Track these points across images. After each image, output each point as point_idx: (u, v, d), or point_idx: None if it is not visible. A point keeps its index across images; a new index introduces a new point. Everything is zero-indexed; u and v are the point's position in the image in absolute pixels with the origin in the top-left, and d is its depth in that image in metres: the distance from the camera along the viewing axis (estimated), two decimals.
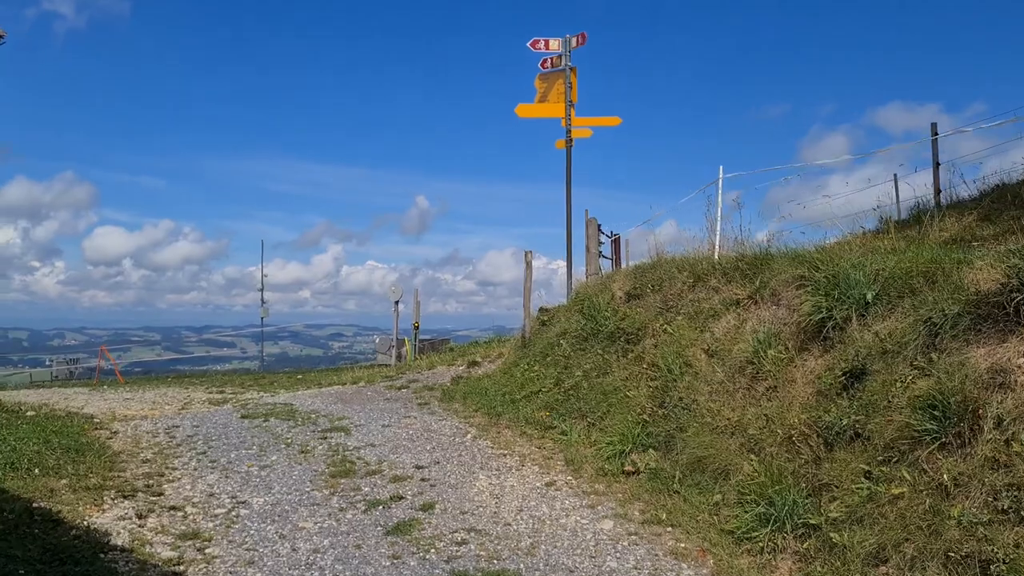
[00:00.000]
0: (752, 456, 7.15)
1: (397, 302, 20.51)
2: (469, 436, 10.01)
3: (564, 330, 12.24)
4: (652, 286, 11.06)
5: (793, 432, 6.87)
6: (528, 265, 13.65)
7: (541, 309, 14.33)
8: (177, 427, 10.64)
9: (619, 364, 10.32)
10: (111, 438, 9.81)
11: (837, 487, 6.16)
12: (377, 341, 20.51)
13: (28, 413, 10.58)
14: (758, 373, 7.82)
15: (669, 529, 6.69)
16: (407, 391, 13.59)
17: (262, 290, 38.10)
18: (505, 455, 9.09)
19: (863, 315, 7.10)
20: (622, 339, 10.68)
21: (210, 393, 16.74)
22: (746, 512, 6.54)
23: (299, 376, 21.14)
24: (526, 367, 12.31)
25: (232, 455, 9.06)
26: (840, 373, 6.87)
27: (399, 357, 20.36)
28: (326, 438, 9.89)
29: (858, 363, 6.76)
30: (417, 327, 20.54)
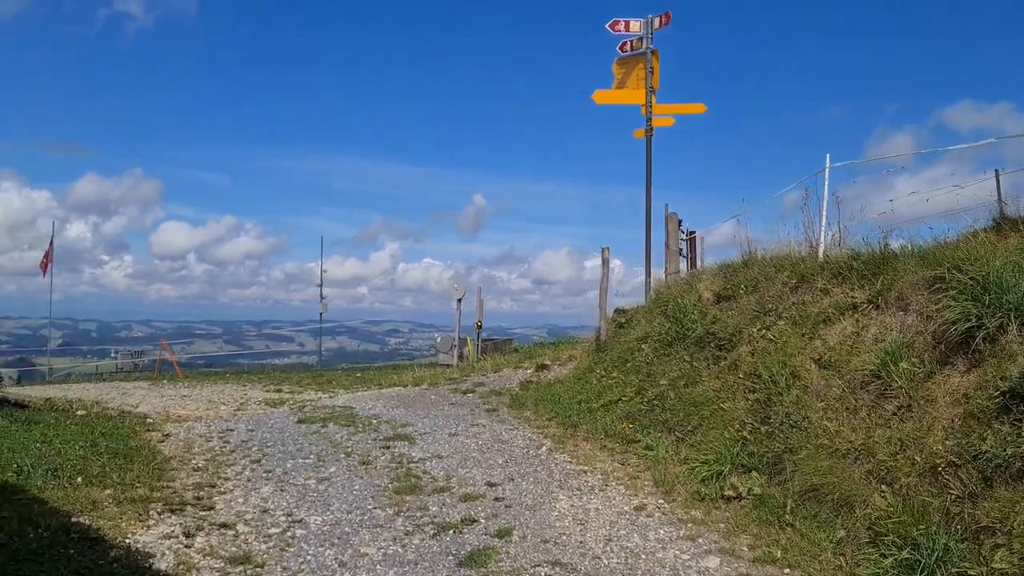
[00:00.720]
0: (884, 487, 6.10)
1: (459, 300, 19.74)
2: (544, 448, 9.13)
3: (645, 334, 11.26)
4: (746, 287, 10.01)
5: (938, 461, 5.80)
6: (605, 263, 12.69)
7: (617, 310, 13.37)
8: (232, 431, 10.01)
9: (710, 373, 9.31)
10: (163, 441, 9.21)
11: (1002, 531, 5.10)
12: (438, 340, 19.76)
13: (79, 412, 10.09)
14: (886, 389, 6.75)
15: (787, 571, 5.70)
16: (473, 396, 12.77)
17: (321, 285, 37.68)
18: (586, 472, 8.18)
19: None
20: (712, 345, 9.67)
21: (267, 392, 16.24)
22: (884, 556, 5.50)
23: (358, 374, 20.57)
24: (603, 373, 11.36)
25: (288, 465, 8.35)
26: (997, 393, 5.77)
27: (461, 357, 19.59)
28: (389, 447, 9.12)
29: (1021, 381, 5.67)
30: (480, 326, 19.75)
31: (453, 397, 12.76)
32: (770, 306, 9.27)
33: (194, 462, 8.39)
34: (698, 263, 14.39)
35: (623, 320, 12.77)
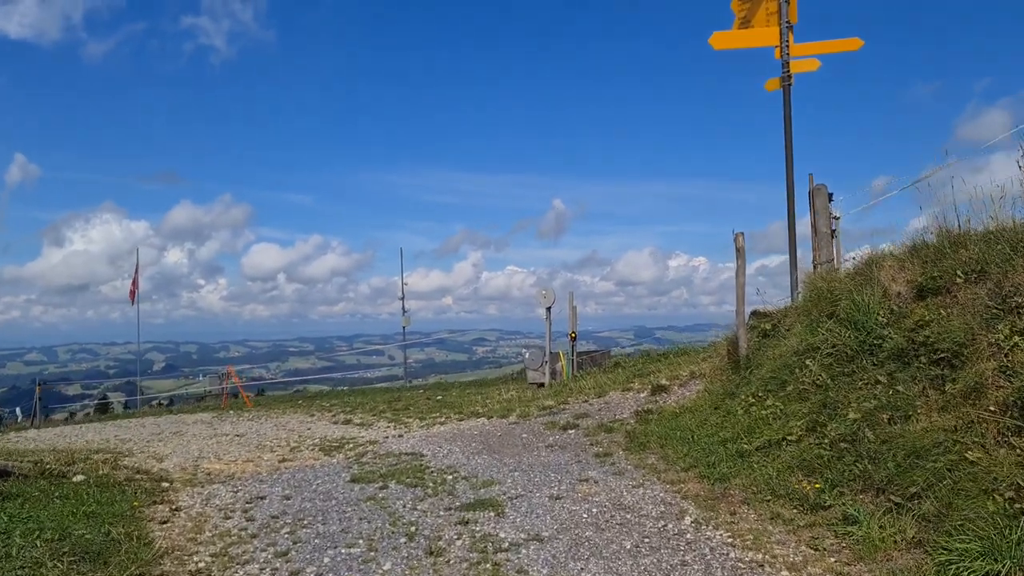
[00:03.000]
0: None
1: (549, 309, 17.06)
2: (688, 520, 6.32)
3: (807, 344, 8.29)
4: (964, 274, 6.98)
5: None
6: (740, 252, 9.71)
7: (756, 314, 10.41)
8: (263, 498, 7.58)
9: (929, 402, 6.34)
10: (166, 521, 6.83)
11: None
12: (527, 356, 17.13)
13: (76, 479, 7.86)
14: None
15: None
16: (576, 432, 10.02)
17: (403, 299, 35.98)
18: (762, 566, 5.35)
19: None
20: (924, 360, 6.68)
21: (334, 423, 13.98)
22: None
23: (438, 397, 18.12)
24: (750, 399, 8.47)
25: (326, 560, 5.81)
26: None
27: (554, 374, 16.91)
28: (467, 523, 6.49)
29: None
30: (574, 338, 17.03)
31: (550, 435, 10.04)
32: (1019, 300, 6.24)
33: (197, 557, 5.95)
34: (842, 249, 11.27)
35: (767, 327, 9.81)
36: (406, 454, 9.44)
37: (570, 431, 10.07)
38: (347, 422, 14.15)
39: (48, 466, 8.02)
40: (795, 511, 6.25)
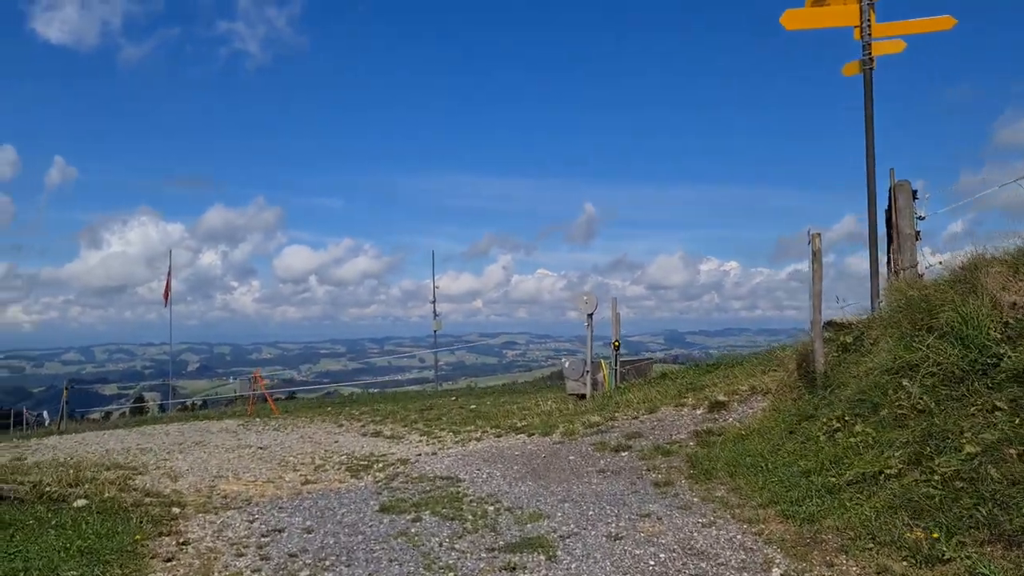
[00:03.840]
0: None
1: (590, 315, 16.05)
2: (777, 573, 5.32)
3: (901, 361, 7.22)
4: None
5: None
6: (816, 255, 8.62)
7: (831, 324, 9.35)
8: (281, 531, 6.71)
9: None
10: (171, 559, 5.98)
11: None
12: (567, 365, 16.17)
13: (77, 503, 7.06)
14: None
15: None
16: (629, 455, 9.02)
17: (434, 302, 35.26)
18: None
19: None
20: None
21: (363, 435, 13.20)
22: None
23: (472, 407, 17.22)
24: (834, 423, 7.42)
25: None
26: None
27: (595, 385, 15.91)
28: (513, 569, 5.54)
29: None
30: (617, 347, 15.99)
31: (600, 458, 9.06)
32: None
33: None
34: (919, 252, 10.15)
35: (847, 339, 8.75)
36: (441, 478, 8.53)
37: (622, 453, 9.07)
38: (376, 434, 13.33)
39: (48, 488, 7.24)
40: (906, 563, 5.22)
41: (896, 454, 6.39)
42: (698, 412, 10.44)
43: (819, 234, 8.61)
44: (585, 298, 16.14)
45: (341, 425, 15.46)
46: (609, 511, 6.82)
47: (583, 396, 15.98)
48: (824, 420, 7.61)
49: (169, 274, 33.02)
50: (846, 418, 7.35)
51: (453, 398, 22.04)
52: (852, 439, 6.99)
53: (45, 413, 28.95)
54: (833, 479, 6.61)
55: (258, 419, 18.20)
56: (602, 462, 8.79)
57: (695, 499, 7.02)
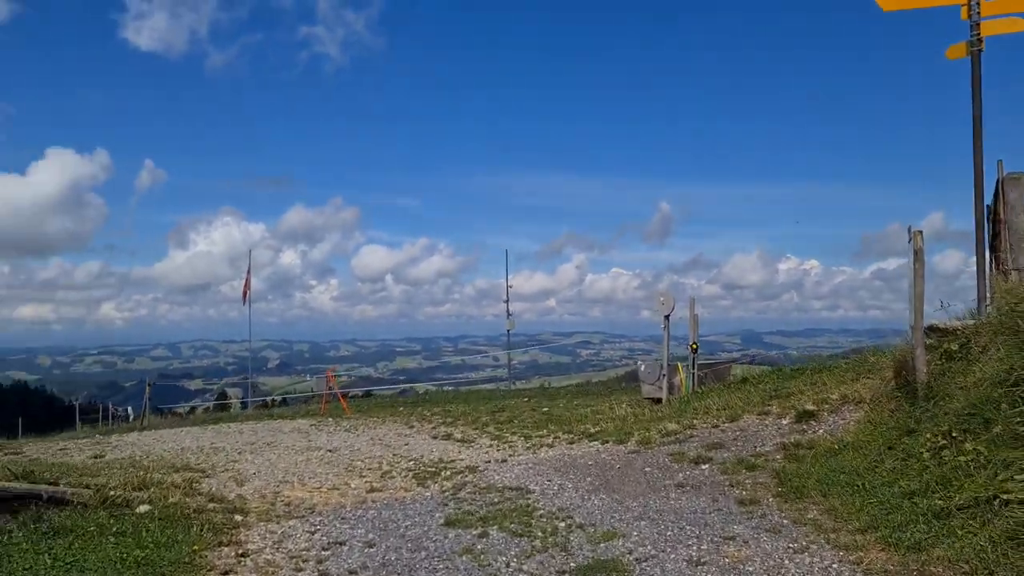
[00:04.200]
0: None
1: (667, 316, 15.43)
2: None
3: (1017, 373, 6.49)
4: None
5: None
6: (918, 255, 7.83)
7: (933, 329, 8.58)
8: (342, 544, 6.43)
9: None
10: (229, 572, 5.77)
11: None
12: (642, 368, 15.61)
13: (140, 509, 6.96)
14: None
15: None
16: (710, 468, 8.44)
17: (507, 301, 35.03)
18: None
19: None
20: None
21: (433, 438, 12.97)
22: None
23: (544, 409, 16.83)
24: (940, 440, 6.71)
25: None
26: None
27: (671, 389, 15.30)
28: None
29: None
30: (695, 349, 15.33)
31: (678, 471, 8.51)
32: None
33: None
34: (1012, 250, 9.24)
35: (952, 346, 7.98)
36: (510, 488, 8.14)
37: (702, 466, 8.51)
38: (447, 437, 13.07)
39: (112, 492, 7.16)
40: None
41: (1015, 477, 5.70)
42: (784, 422, 9.77)
43: (921, 231, 7.85)
44: (662, 298, 15.54)
45: (412, 427, 15.29)
46: (690, 531, 6.32)
47: (659, 400, 15.39)
48: (928, 436, 6.91)
49: (248, 273, 33.64)
50: (953, 434, 6.63)
51: (525, 399, 21.69)
52: (961, 458, 6.29)
53: (129, 409, 29.93)
54: (941, 503, 5.94)
55: (330, 419, 18.22)
56: (680, 475, 8.25)
57: (785, 520, 6.44)
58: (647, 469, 8.63)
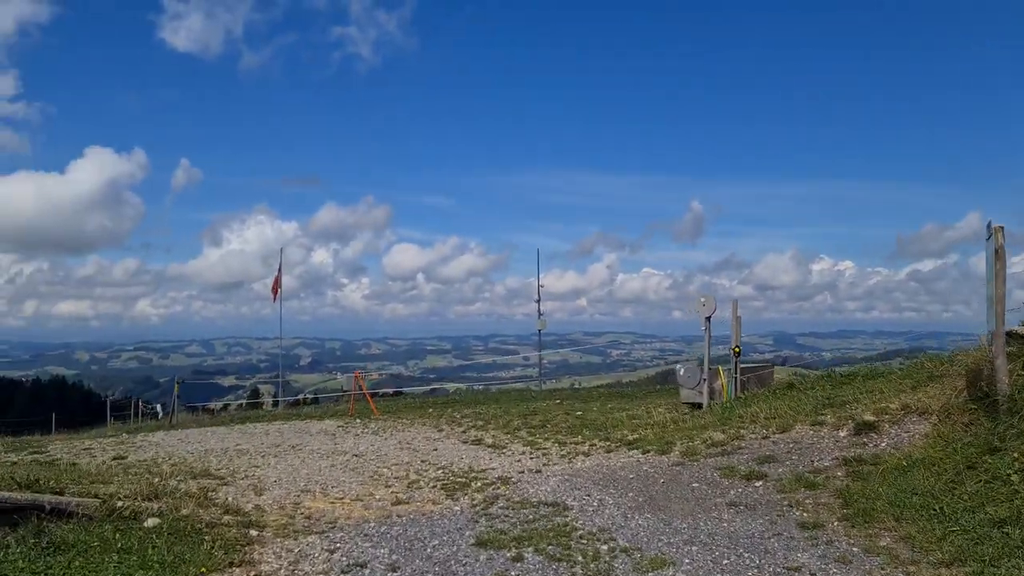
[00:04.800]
0: None
1: (708, 318, 14.72)
2: None
3: None
4: None
5: None
6: (999, 254, 7.06)
7: (1013, 335, 7.82)
8: (363, 566, 5.87)
9: None
10: None
11: None
12: (682, 372, 14.92)
13: (148, 523, 6.48)
14: None
15: None
16: (764, 485, 7.74)
17: (539, 301, 34.39)
18: None
19: None
20: None
21: (463, 443, 12.45)
22: None
23: (578, 413, 16.22)
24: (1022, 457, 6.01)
25: None
26: None
27: (712, 394, 14.59)
28: None
29: None
30: (738, 353, 14.61)
31: (730, 487, 7.83)
32: None
33: None
34: None
35: None
36: (546, 504, 7.53)
37: (756, 483, 7.81)
38: (477, 442, 12.52)
39: (120, 504, 6.69)
40: None
41: None
42: (841, 434, 9.04)
43: (1002, 227, 7.10)
44: (703, 300, 14.83)
45: (441, 430, 14.77)
46: (748, 560, 5.66)
47: (699, 406, 14.70)
48: (1016, 455, 6.19)
49: (279, 271, 33.39)
50: None
51: (557, 401, 21.07)
52: None
53: (159, 406, 29.82)
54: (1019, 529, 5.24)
55: (358, 420, 17.77)
56: (732, 492, 7.58)
57: (855, 549, 5.75)
58: (695, 485, 7.96)
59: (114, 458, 12.16)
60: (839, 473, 7.67)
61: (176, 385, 24.20)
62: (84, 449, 13.71)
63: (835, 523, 6.35)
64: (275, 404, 35.40)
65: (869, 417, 9.09)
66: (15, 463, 11.05)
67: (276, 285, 33.25)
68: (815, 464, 8.15)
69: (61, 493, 6.82)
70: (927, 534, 5.74)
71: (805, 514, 6.68)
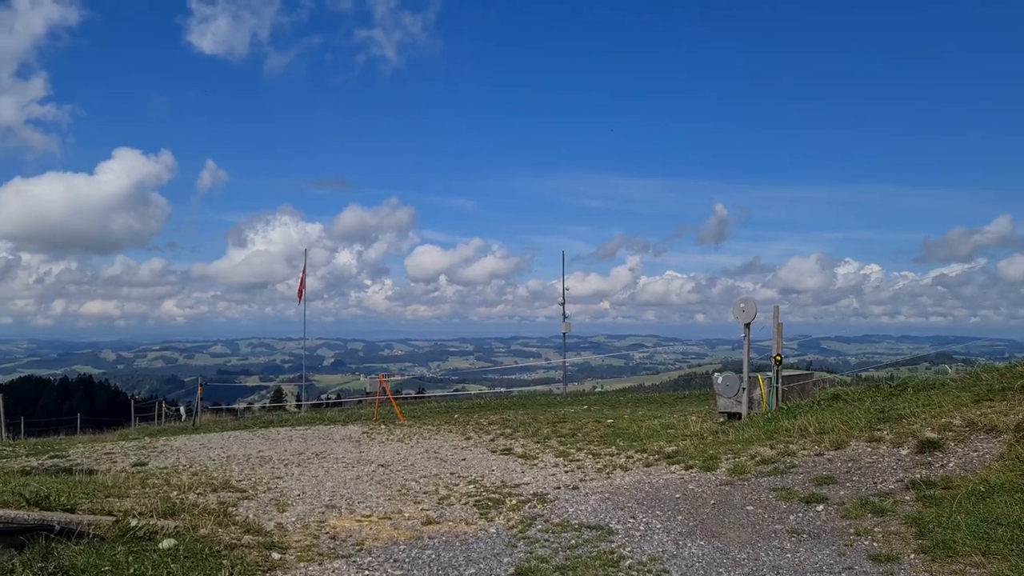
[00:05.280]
0: None
1: (748, 324, 14.10)
2: None
3: None
4: None
5: None
6: None
7: None
8: None
9: None
10: None
11: None
12: (719, 380, 14.34)
13: (163, 544, 6.04)
14: None
15: None
16: (826, 509, 7.14)
17: (563, 304, 33.79)
18: None
19: None
20: None
21: (492, 452, 11.98)
22: None
23: (608, 421, 15.70)
24: None
25: None
26: None
27: (751, 404, 13.98)
28: None
29: None
30: (779, 361, 13.98)
31: (788, 510, 7.24)
32: None
33: None
34: None
35: None
36: (588, 527, 7.00)
37: (816, 506, 7.22)
38: (507, 451, 12.03)
39: (133, 522, 6.26)
40: None
41: None
42: (903, 452, 8.41)
43: None
44: (742, 305, 14.21)
45: (469, 438, 14.30)
46: None
47: (737, 416, 14.10)
48: None
49: (304, 272, 33.15)
50: None
51: (585, 407, 20.56)
52: None
53: (182, 408, 29.62)
54: None
55: (383, 426, 17.36)
56: (791, 517, 7.00)
57: None
58: (749, 508, 7.39)
59: (134, 464, 11.82)
60: (907, 497, 7.06)
61: (199, 387, 23.93)
62: (105, 454, 13.39)
63: (911, 556, 5.75)
64: (298, 405, 35.13)
65: (931, 434, 8.46)
66: (31, 471, 10.73)
67: (301, 287, 33.02)
68: (879, 487, 7.53)
69: (73, 510, 6.41)
70: (1022, 572, 5.15)
71: (876, 544, 6.08)
